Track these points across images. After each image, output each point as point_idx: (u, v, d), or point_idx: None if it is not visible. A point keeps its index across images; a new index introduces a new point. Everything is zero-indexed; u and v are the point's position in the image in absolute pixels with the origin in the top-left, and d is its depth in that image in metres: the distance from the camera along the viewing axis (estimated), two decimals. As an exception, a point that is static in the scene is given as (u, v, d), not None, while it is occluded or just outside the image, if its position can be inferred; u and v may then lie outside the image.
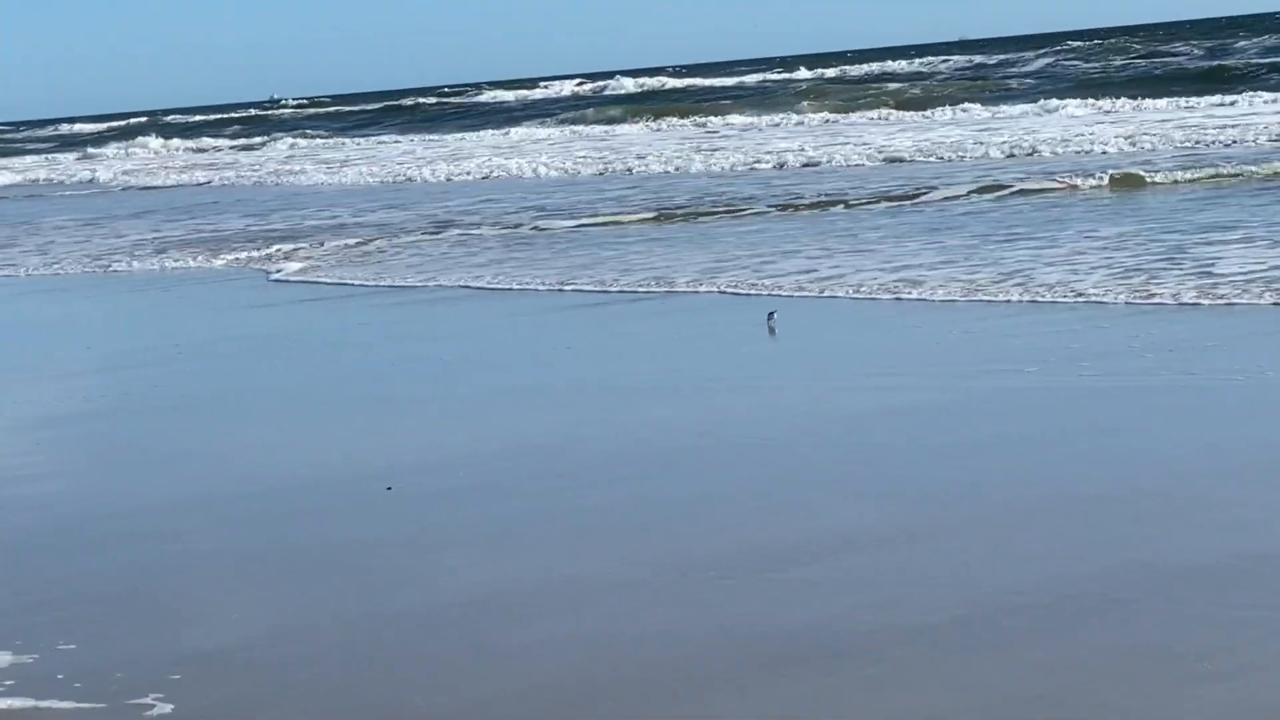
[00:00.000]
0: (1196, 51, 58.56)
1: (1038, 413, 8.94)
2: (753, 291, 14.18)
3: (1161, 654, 5.32)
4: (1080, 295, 12.50)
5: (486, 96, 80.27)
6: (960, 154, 28.23)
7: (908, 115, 41.41)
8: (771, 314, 12.32)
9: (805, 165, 29.32)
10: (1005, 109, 39.84)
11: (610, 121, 51.19)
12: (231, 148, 59.41)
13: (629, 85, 75.61)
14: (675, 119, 48.60)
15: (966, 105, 41.87)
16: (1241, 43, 61.04)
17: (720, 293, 14.36)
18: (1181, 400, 9.00)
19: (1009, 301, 12.58)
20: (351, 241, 21.73)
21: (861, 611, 5.89)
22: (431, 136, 52.91)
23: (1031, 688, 5.13)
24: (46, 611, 6.53)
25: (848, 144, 32.72)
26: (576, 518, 7.46)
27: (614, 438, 9.18)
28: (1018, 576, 6.15)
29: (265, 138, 61.65)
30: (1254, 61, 49.29)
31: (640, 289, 14.98)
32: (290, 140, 58.80)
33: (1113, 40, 77.54)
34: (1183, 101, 35.86)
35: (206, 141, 63.59)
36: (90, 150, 64.08)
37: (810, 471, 8.07)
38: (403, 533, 7.41)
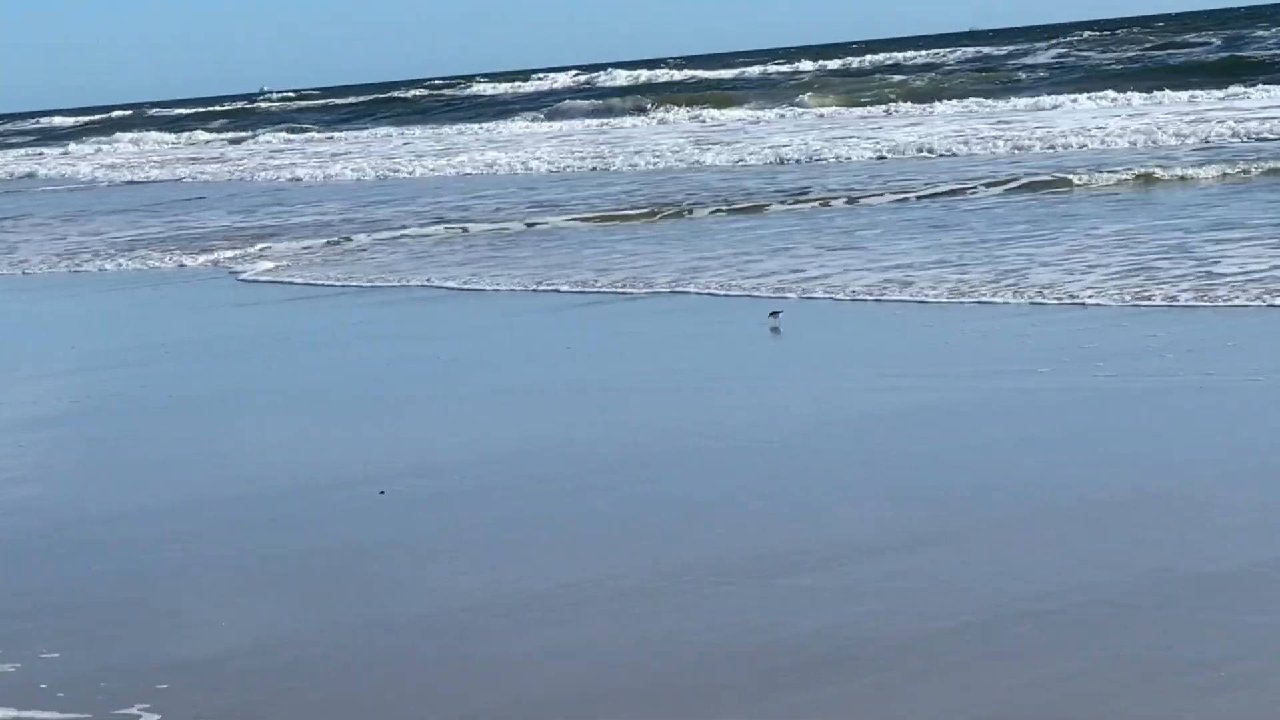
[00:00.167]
0: (1215, 41, 58.56)
1: (1050, 415, 8.95)
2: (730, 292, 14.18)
3: (1177, 663, 5.33)
4: (1100, 292, 12.45)
5: (478, 89, 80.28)
6: (963, 148, 28.26)
7: (912, 108, 41.41)
8: (776, 313, 12.30)
9: (803, 160, 29.32)
10: (1014, 101, 39.85)
11: (606, 115, 51.18)
12: (219, 141, 59.41)
13: (626, 78, 75.62)
14: (673, 112, 48.61)
15: (973, 98, 41.88)
16: (1260, 32, 61.07)
17: (698, 294, 14.34)
18: (1200, 401, 9.00)
19: (1016, 302, 12.57)
20: (334, 239, 21.76)
21: (867, 619, 5.91)
22: (422, 129, 52.94)
23: (1042, 697, 5.15)
24: (29, 619, 6.55)
25: (849, 138, 32.73)
26: (574, 523, 7.48)
27: (612, 440, 9.20)
28: (1028, 583, 6.17)
29: (253, 131, 61.65)
30: (1275, 52, 49.30)
31: (618, 288, 14.99)
32: (278, 134, 58.78)
33: (1126, 31, 77.57)
34: (1199, 94, 35.84)
35: (193, 135, 63.56)
36: (72, 144, 64.06)
37: (815, 474, 8.09)
38: (395, 538, 7.43)
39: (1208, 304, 11.78)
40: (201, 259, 20.78)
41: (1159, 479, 7.55)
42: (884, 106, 43.08)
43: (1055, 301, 12.37)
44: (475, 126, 51.60)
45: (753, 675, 5.46)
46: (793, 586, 6.31)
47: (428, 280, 16.74)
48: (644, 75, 76.38)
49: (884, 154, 29.01)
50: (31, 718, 5.50)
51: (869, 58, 76.41)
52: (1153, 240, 15.17)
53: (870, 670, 5.44)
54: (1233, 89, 36.22)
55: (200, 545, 7.47)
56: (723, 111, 47.09)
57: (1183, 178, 21.14)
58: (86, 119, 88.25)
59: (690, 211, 21.93)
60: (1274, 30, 61.66)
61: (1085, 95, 38.46)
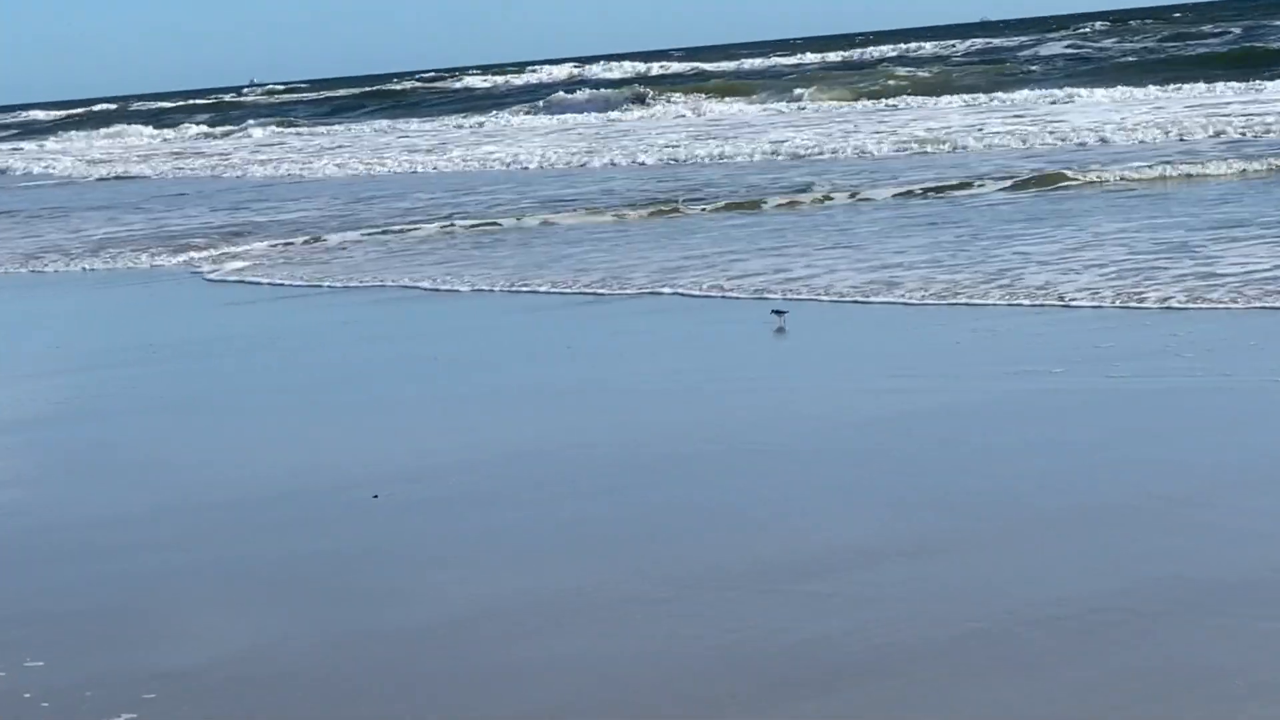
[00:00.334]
0: (1235, 31, 58.54)
1: (1064, 417, 8.95)
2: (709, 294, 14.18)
3: (1194, 672, 5.34)
4: (1114, 290, 12.44)
5: (470, 81, 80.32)
6: (968, 143, 28.27)
7: (915, 100, 41.43)
8: (781, 312, 12.29)
9: (801, 155, 29.32)
10: (1023, 94, 39.88)
11: (604, 107, 51.18)
12: (204, 135, 59.45)
13: (623, 70, 75.63)
14: (671, 105, 48.64)
15: (980, 91, 41.90)
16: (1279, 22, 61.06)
17: (675, 294, 14.33)
18: (1219, 403, 9.00)
19: (1027, 303, 12.57)
20: (315, 236, 21.80)
21: (875, 627, 5.92)
22: (412, 123, 52.96)
23: (1055, 707, 5.15)
24: (12, 627, 6.55)
25: (851, 132, 32.75)
26: (573, 528, 7.48)
27: (611, 443, 9.21)
28: (1041, 590, 6.17)
29: (240, 124, 61.67)
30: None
31: (596, 288, 15.01)
32: (266, 127, 58.84)
33: (1140, 21, 77.58)
34: (1216, 86, 35.81)
35: (180, 128, 63.61)
36: (54, 138, 64.06)
37: (819, 478, 8.10)
38: (389, 544, 7.43)
39: (1229, 304, 11.71)
40: (179, 258, 20.72)
41: (1175, 483, 7.54)
42: (890, 100, 43.09)
43: (1057, 302, 12.35)
44: (467, 119, 51.59)
45: (757, 684, 5.46)
46: (798, 593, 6.31)
47: (441, 278, 16.68)
48: (643, 68, 76.42)
49: (887, 149, 29.01)
50: (15, 729, 5.51)
51: (873, 49, 76.43)
52: (1161, 238, 15.16)
53: (878, 679, 5.45)
54: (1253, 82, 36.17)
55: (188, 552, 7.47)
56: (724, 104, 47.12)
57: (1201, 175, 21.10)
58: (67, 112, 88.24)
59: (684, 208, 21.96)
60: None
61: (1087, 90, 38.45)
